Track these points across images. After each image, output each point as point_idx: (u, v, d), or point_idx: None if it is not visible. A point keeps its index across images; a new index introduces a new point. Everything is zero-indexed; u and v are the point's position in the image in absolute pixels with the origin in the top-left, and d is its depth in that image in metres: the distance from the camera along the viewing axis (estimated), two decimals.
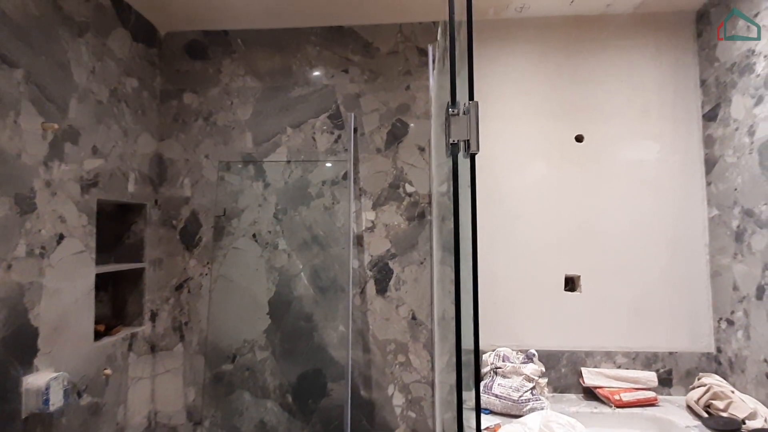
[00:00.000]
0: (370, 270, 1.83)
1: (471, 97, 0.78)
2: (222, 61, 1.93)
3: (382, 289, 1.82)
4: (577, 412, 1.60)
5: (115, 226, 1.78)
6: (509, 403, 1.53)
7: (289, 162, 1.86)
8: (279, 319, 1.81)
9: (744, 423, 1.37)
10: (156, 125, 1.90)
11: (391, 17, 1.85)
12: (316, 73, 1.90)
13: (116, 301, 1.79)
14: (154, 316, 1.83)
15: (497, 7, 1.79)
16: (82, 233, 1.46)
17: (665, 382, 1.72)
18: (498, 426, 1.33)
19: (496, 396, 1.56)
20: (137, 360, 1.75)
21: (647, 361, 1.74)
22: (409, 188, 1.84)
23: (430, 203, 1.84)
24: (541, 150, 1.84)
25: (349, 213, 1.80)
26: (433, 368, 1.80)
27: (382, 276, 1.82)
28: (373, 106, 1.87)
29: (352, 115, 1.84)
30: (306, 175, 1.86)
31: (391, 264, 1.83)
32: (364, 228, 1.84)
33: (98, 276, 1.55)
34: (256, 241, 1.84)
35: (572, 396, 1.73)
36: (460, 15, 1.83)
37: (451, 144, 0.79)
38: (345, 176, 1.84)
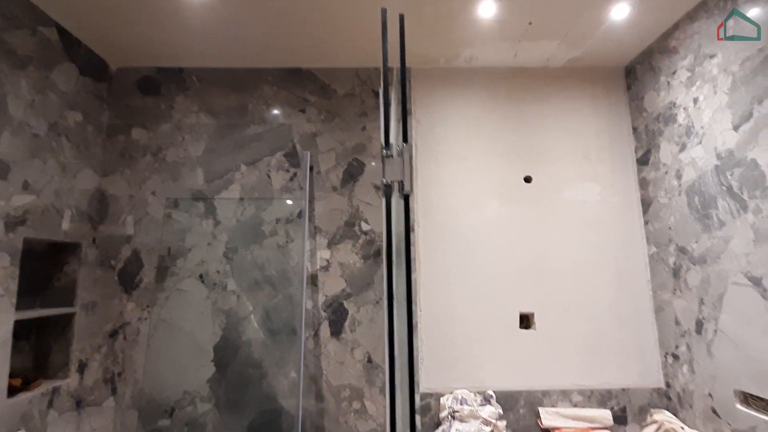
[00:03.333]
0: (325, 311, 1.76)
1: (405, 139, 0.80)
2: (175, 98, 1.90)
3: (336, 331, 1.75)
4: None
5: (44, 267, 1.63)
6: None
7: (242, 199, 1.82)
8: (225, 366, 1.69)
9: None
10: (100, 160, 1.81)
11: (348, 61, 1.91)
12: (273, 112, 1.91)
13: (39, 351, 1.61)
14: (82, 367, 1.66)
15: (448, 57, 1.90)
16: (2, 275, 1.33)
17: (620, 419, 1.72)
18: None
19: None
20: (58, 418, 1.55)
21: (602, 398, 1.74)
22: (365, 226, 1.83)
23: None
24: (494, 190, 1.91)
25: (303, 251, 1.75)
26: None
27: (337, 317, 1.76)
28: (329, 146, 1.89)
29: (308, 153, 1.84)
30: (259, 213, 1.81)
31: (346, 304, 1.77)
32: (318, 267, 1.79)
33: (19, 323, 1.40)
34: (203, 281, 1.74)
35: None
36: (409, 63, 1.91)
37: (385, 185, 0.80)
38: (300, 214, 1.81)
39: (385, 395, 1.71)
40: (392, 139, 0.81)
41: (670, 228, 1.71)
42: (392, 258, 0.82)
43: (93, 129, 1.79)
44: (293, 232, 1.80)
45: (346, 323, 1.76)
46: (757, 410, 1.33)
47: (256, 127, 1.88)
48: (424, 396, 1.72)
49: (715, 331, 1.48)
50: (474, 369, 1.76)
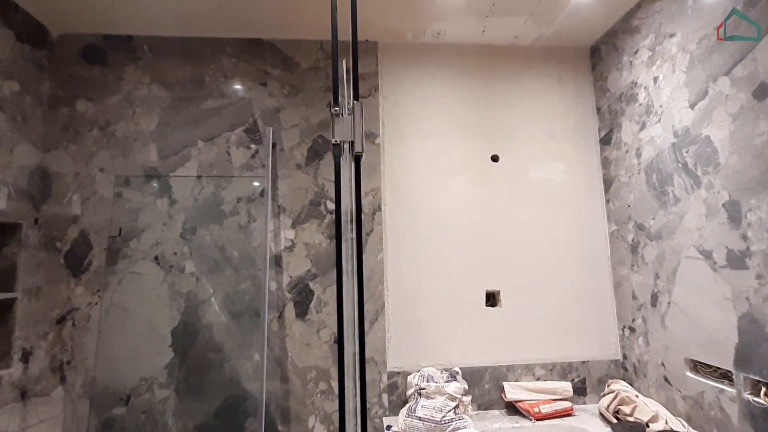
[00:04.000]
0: (290, 292, 1.71)
1: (356, 97, 0.76)
2: (124, 68, 1.77)
3: (302, 313, 1.72)
4: (499, 429, 1.59)
5: None
6: (432, 425, 1.48)
7: (200, 177, 1.72)
8: (184, 351, 1.62)
9: (648, 426, 1.44)
10: (40, 134, 1.67)
11: (312, 33, 1.83)
12: (232, 86, 1.81)
13: None
14: (26, 356, 1.55)
15: (415, 31, 1.86)
16: None
17: (580, 390, 1.78)
18: None
19: (420, 419, 1.50)
20: (1, 411, 1.45)
21: (563, 371, 1.79)
22: (330, 205, 1.79)
23: (352, 220, 1.79)
24: (461, 169, 1.90)
25: (266, 232, 1.69)
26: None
27: (302, 298, 1.72)
28: (293, 122, 1.81)
29: (271, 129, 1.76)
30: (219, 192, 1.73)
31: (311, 285, 1.73)
32: (283, 247, 1.73)
33: None
34: (159, 264, 1.65)
35: (495, 412, 1.72)
36: (375, 37, 1.85)
37: (334, 145, 0.76)
38: (262, 193, 1.74)
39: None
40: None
41: (629, 206, 1.76)
42: (341, 226, 0.79)
43: (32, 100, 1.64)
44: (255, 212, 1.73)
45: (312, 304, 1.73)
46: (705, 376, 1.39)
47: (213, 100, 1.78)
48: (391, 375, 1.72)
49: (669, 303, 1.53)
50: (441, 347, 1.77)
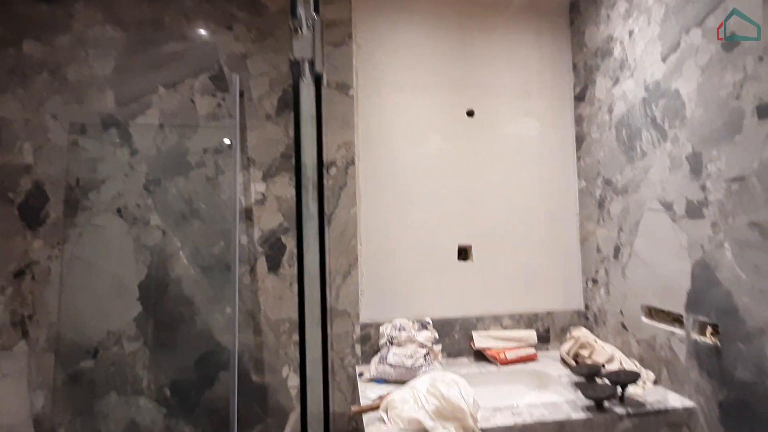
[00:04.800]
0: (261, 246, 1.69)
1: (316, 9, 0.71)
2: (74, 5, 1.62)
3: (274, 266, 1.70)
4: (467, 374, 1.66)
5: None
6: (403, 370, 1.53)
7: (162, 126, 1.64)
8: (152, 304, 1.60)
9: (603, 367, 1.54)
10: None
11: None
12: (195, 29, 1.69)
13: None
14: None
15: None
16: None
17: (544, 339, 1.87)
18: (388, 394, 1.31)
19: (391, 365, 1.55)
20: None
21: (529, 321, 1.87)
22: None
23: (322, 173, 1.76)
24: (436, 123, 1.87)
25: (235, 184, 1.64)
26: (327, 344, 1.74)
27: (274, 252, 1.70)
28: (261, 69, 1.72)
29: (237, 77, 1.68)
30: (184, 142, 1.65)
31: (284, 239, 1.72)
32: (253, 201, 1.69)
33: None
34: (122, 216, 1.59)
35: (464, 360, 1.80)
36: None
37: (292, 62, 0.71)
38: (230, 144, 1.67)
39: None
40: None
41: (599, 162, 1.79)
42: (301, 158, 0.76)
43: None
44: (224, 164, 1.67)
45: (284, 258, 1.71)
46: (658, 321, 1.48)
47: (175, 44, 1.67)
48: (364, 327, 1.75)
49: (630, 254, 1.60)
50: (413, 300, 1.80)
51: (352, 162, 1.77)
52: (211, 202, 1.66)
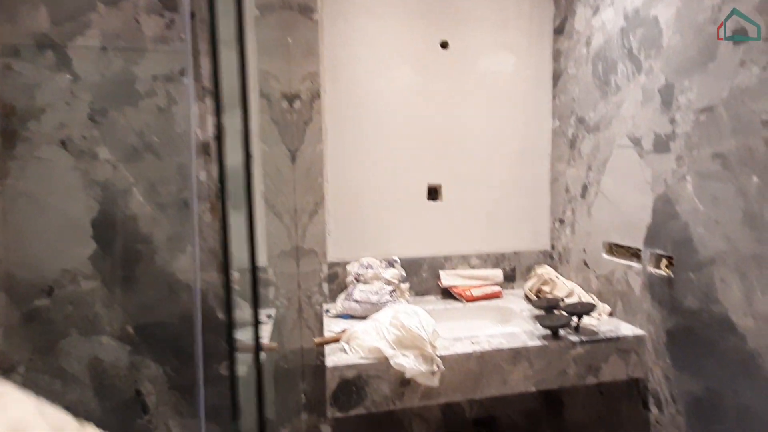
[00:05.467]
0: (222, 182, 1.61)
1: None
2: None
3: (238, 203, 1.64)
4: (433, 309, 1.68)
5: None
6: (368, 306, 1.54)
7: (105, 49, 1.48)
8: (108, 242, 1.53)
9: (563, 301, 1.58)
10: None
11: None
12: None
13: None
14: None
15: None
16: None
17: (510, 277, 1.91)
18: (344, 330, 1.31)
19: (357, 301, 1.56)
20: None
21: (497, 260, 1.90)
22: (266, 89, 1.63)
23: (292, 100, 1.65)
24: (408, 54, 1.76)
25: (190, 116, 1.53)
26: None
27: (239, 188, 1.63)
28: None
29: None
30: (131, 68, 1.51)
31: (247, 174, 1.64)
32: (211, 134, 1.59)
33: None
34: (66, 149, 1.47)
35: (432, 297, 1.83)
36: None
37: None
38: (183, 71, 1.54)
39: (291, 265, 1.70)
40: None
41: (573, 100, 1.74)
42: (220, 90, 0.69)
43: None
44: (177, 93, 1.54)
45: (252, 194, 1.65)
46: (618, 257, 1.51)
47: None
48: (331, 265, 1.74)
49: (596, 193, 1.60)
50: (382, 239, 1.79)
51: (318, 95, 1.67)
52: (165, 135, 1.55)
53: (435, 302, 1.76)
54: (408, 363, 1.16)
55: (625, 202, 1.45)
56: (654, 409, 1.35)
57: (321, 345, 1.29)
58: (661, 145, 1.29)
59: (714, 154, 1.11)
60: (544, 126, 1.91)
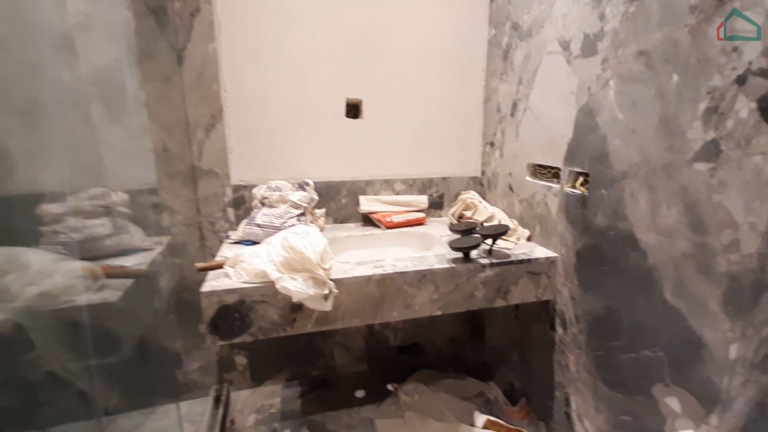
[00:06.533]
0: (93, 85, 1.35)
1: None
2: None
3: (116, 113, 1.39)
4: (349, 236, 1.58)
5: None
6: (271, 230, 1.39)
7: None
8: None
9: (482, 225, 1.50)
10: None
11: None
12: None
13: None
14: None
15: None
16: None
17: (437, 204, 1.82)
18: (224, 259, 1.17)
19: (259, 225, 1.41)
20: None
21: (423, 186, 1.78)
22: None
23: None
24: None
25: None
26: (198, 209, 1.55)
27: (114, 94, 1.38)
28: None
29: None
30: None
31: (125, 80, 1.38)
32: (73, 23, 1.30)
33: None
34: None
35: (351, 225, 1.71)
36: None
37: None
38: None
39: (188, 187, 1.51)
40: None
41: (509, 2, 1.54)
42: None
43: None
44: None
45: (128, 104, 1.40)
46: (540, 179, 1.42)
47: None
48: (237, 188, 1.56)
49: (525, 110, 1.47)
50: (294, 159, 1.61)
51: None
52: (10, 22, 1.24)
53: (353, 229, 1.65)
54: (295, 286, 1.04)
55: (550, 117, 1.33)
56: (559, 330, 1.34)
57: (204, 270, 1.15)
58: (589, 47, 1.14)
59: (639, 53, 0.98)
60: (480, 36, 1.71)
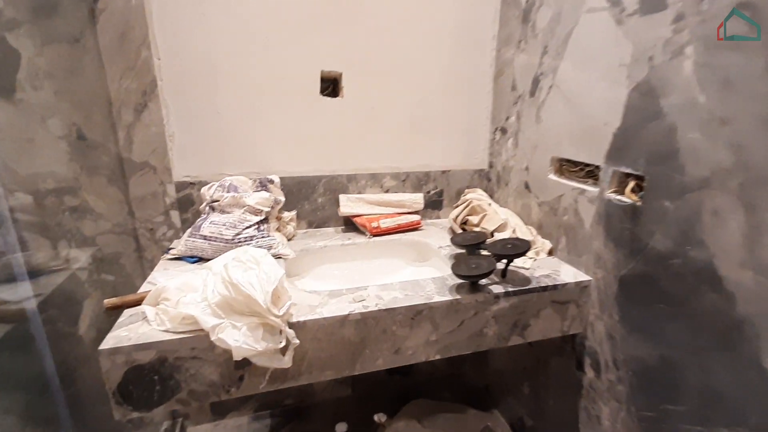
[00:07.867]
0: None
1: None
2: None
3: (5, 90, 1.04)
4: (324, 247, 1.27)
5: None
6: (221, 244, 1.08)
7: None
8: None
9: (492, 235, 1.20)
10: None
11: None
12: None
13: None
14: None
15: None
16: None
17: (435, 204, 1.50)
18: (143, 293, 0.85)
19: (205, 238, 1.09)
20: None
21: (418, 182, 1.46)
22: None
23: None
24: None
25: None
26: (130, 211, 1.22)
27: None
28: None
29: None
30: None
31: (13, 40, 1.02)
32: None
33: None
34: None
35: (330, 230, 1.39)
36: None
37: None
38: None
39: (115, 185, 1.17)
40: None
41: None
42: None
43: None
44: None
45: (22, 74, 1.04)
46: (568, 178, 1.11)
47: None
48: (182, 186, 1.23)
49: (551, 87, 1.14)
50: (255, 149, 1.28)
51: None
52: None
53: (331, 236, 1.33)
54: (237, 340, 0.73)
55: (587, 98, 1.01)
56: (590, 372, 1.06)
57: (113, 309, 0.83)
58: (653, 1, 0.81)
59: (739, 4, 0.66)
60: None
